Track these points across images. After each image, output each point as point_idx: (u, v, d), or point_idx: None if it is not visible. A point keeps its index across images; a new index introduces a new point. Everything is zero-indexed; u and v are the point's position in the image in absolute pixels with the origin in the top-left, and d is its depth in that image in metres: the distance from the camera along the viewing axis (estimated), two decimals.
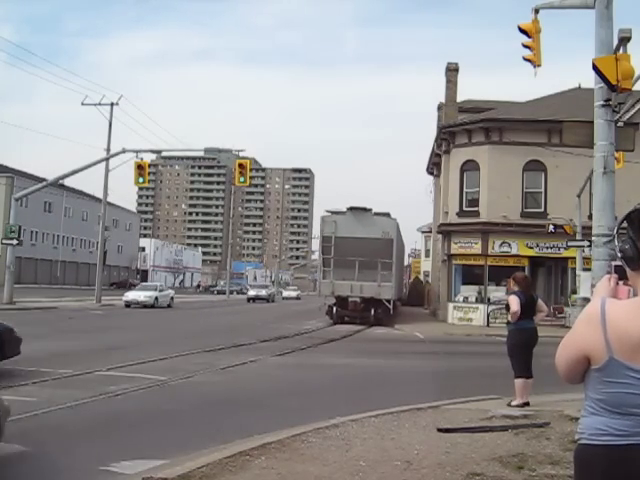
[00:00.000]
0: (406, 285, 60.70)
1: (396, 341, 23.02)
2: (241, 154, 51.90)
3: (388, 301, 30.38)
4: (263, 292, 58.99)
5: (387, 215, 30.97)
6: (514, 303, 9.51)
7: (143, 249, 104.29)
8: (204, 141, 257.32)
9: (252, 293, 59.79)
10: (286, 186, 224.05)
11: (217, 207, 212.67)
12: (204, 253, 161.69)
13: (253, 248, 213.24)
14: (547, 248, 31.38)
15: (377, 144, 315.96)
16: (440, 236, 35.59)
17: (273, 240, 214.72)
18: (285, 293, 74.86)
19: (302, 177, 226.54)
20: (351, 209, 30.48)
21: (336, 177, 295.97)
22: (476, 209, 31.79)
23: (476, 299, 31.78)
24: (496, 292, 30.89)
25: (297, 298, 73.03)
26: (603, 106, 8.60)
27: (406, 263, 63.44)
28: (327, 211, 31.47)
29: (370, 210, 30.56)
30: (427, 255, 58.27)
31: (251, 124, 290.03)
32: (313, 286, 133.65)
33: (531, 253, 31.32)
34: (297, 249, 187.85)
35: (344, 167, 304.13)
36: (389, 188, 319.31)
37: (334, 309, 30.45)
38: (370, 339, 23.50)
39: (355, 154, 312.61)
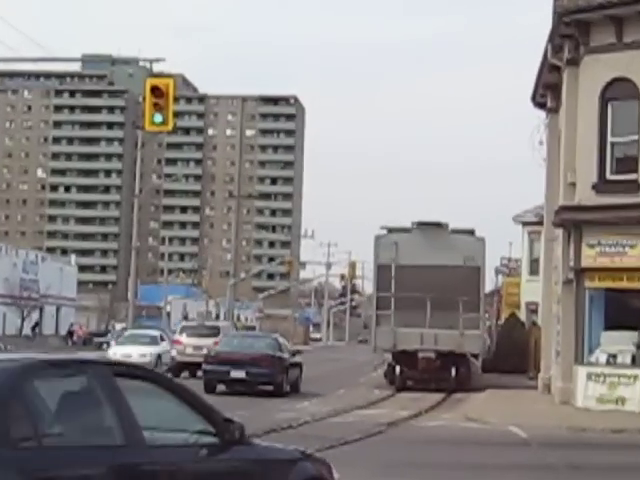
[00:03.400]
0: (492, 331, 55.06)
1: (472, 444, 20.54)
2: (156, 68, 43.70)
3: (475, 356, 34.81)
4: None
5: (471, 232, 35.09)
6: None
7: None
8: (82, 44, 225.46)
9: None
10: (248, 131, 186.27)
11: (109, 174, 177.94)
12: (83, 268, 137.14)
13: (182, 257, 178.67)
14: None
15: (430, 47, 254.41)
16: (560, 232, 31.19)
17: (221, 241, 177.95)
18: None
19: (279, 114, 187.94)
20: (419, 225, 34.50)
21: (350, 115, 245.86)
22: (634, 177, 27.91)
23: (633, 359, 28.27)
24: None
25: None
26: None
27: (490, 288, 58.72)
28: (383, 228, 35.39)
29: (446, 226, 34.82)
30: (533, 270, 50.96)
31: (177, 12, 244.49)
32: (305, 334, 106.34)
33: None
34: (271, 258, 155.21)
35: (366, 95, 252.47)
36: (455, 135, 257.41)
37: (397, 369, 33.76)
38: (419, 440, 20.80)
39: (388, 69, 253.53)
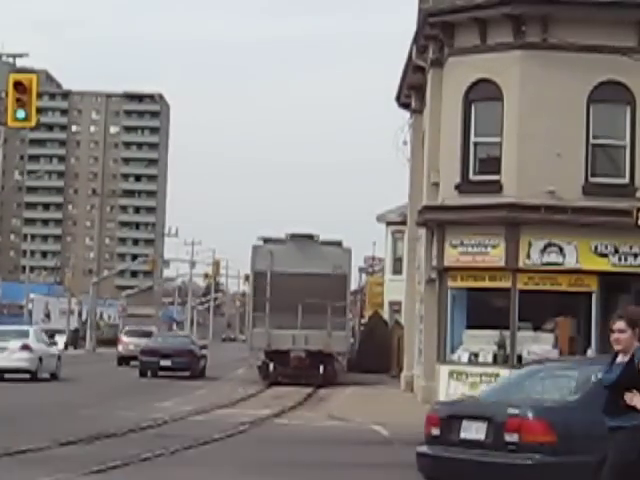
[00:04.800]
0: (355, 330, 56.30)
1: (333, 443, 20.45)
2: (19, 63, 45.80)
3: (342, 354, 38.77)
4: None
5: (339, 244, 38.93)
6: None
7: None
8: None
9: None
10: (112, 128, 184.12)
11: None
12: None
13: (44, 255, 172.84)
14: (634, 257, 27.83)
15: (295, 47, 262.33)
16: (424, 232, 32.02)
17: (84, 239, 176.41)
18: None
19: (144, 110, 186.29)
20: (292, 237, 38.51)
21: (219, 114, 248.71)
22: (496, 178, 28.46)
23: (495, 357, 28.74)
24: (535, 344, 27.58)
25: None
26: None
27: (354, 286, 58.77)
28: (260, 238, 39.06)
29: (317, 238, 38.70)
30: (396, 269, 52.46)
31: (39, 6, 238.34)
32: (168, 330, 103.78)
33: (603, 266, 27.99)
34: (134, 256, 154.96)
35: (236, 95, 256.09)
36: (325, 135, 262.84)
37: (270, 366, 37.54)
38: (282, 440, 20.61)
39: (259, 69, 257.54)
